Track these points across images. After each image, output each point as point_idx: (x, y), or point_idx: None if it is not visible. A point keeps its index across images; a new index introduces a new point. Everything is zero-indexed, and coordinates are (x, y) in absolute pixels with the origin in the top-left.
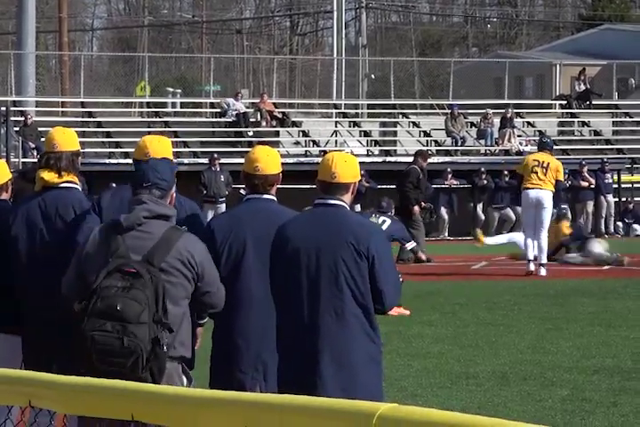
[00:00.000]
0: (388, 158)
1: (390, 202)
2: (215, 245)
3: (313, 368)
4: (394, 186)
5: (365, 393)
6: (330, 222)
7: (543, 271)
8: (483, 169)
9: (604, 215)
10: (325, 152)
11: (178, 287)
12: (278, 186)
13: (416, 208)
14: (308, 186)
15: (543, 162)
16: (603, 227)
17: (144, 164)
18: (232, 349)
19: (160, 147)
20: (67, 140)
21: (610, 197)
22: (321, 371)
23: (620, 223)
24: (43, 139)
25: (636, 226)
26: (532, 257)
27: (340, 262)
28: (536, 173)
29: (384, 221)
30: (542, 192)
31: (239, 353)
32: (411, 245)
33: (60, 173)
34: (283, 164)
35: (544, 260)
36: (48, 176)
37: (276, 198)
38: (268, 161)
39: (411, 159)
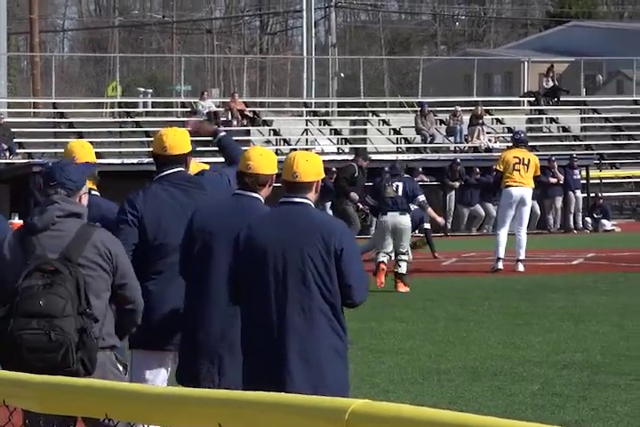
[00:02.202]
0: None
1: (402, 163)
2: (187, 235)
3: (281, 365)
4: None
5: (332, 388)
6: (295, 221)
7: (521, 267)
8: (459, 167)
9: (572, 211)
10: (296, 150)
11: (98, 280)
12: None
13: (352, 194)
14: (280, 184)
15: (524, 159)
16: (571, 222)
17: (53, 164)
18: (193, 341)
19: (84, 151)
20: (85, 152)
21: (578, 193)
22: (289, 368)
23: (588, 219)
24: (15, 140)
25: (604, 221)
26: (502, 255)
27: (307, 260)
28: (518, 170)
29: (397, 187)
30: (525, 190)
31: (199, 346)
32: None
33: None
34: None
35: (522, 255)
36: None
37: (263, 199)
38: (261, 161)
39: (381, 157)
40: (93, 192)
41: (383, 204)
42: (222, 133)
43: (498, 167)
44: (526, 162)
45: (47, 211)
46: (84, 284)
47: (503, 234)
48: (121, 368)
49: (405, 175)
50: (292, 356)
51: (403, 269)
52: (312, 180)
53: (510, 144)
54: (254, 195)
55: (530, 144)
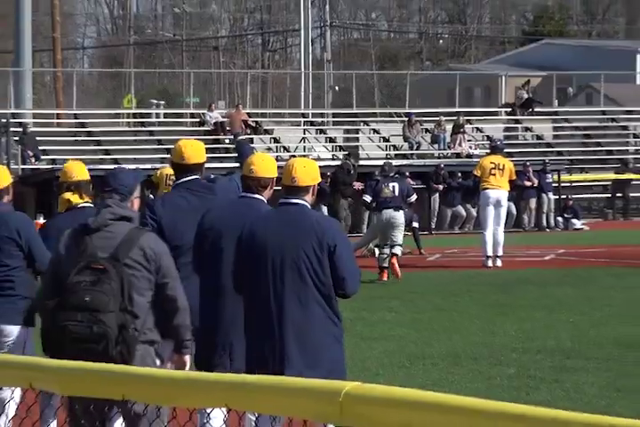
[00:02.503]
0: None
1: (391, 164)
2: (199, 234)
3: (281, 351)
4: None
5: (330, 370)
6: (292, 219)
7: (499, 262)
8: (443, 171)
9: (545, 211)
10: (295, 157)
11: (141, 280)
12: None
13: (357, 183)
14: (279, 188)
15: (499, 164)
16: (544, 222)
17: (108, 172)
18: (207, 331)
19: (80, 170)
20: (79, 171)
21: (550, 195)
22: (288, 353)
23: (559, 218)
24: (40, 147)
25: (574, 221)
26: (490, 253)
27: (302, 255)
28: (494, 175)
29: (394, 187)
30: (500, 192)
31: (211, 333)
32: (413, 197)
33: (81, 196)
34: None
35: (500, 252)
36: (73, 198)
37: (265, 200)
38: (262, 165)
39: (371, 162)
40: (89, 204)
41: (379, 202)
42: (241, 137)
43: (476, 172)
44: (501, 167)
45: (101, 213)
46: (128, 283)
47: (489, 234)
48: (158, 362)
49: (396, 175)
50: (291, 342)
51: (398, 251)
52: (309, 184)
53: (488, 151)
54: (257, 196)
55: (506, 151)
